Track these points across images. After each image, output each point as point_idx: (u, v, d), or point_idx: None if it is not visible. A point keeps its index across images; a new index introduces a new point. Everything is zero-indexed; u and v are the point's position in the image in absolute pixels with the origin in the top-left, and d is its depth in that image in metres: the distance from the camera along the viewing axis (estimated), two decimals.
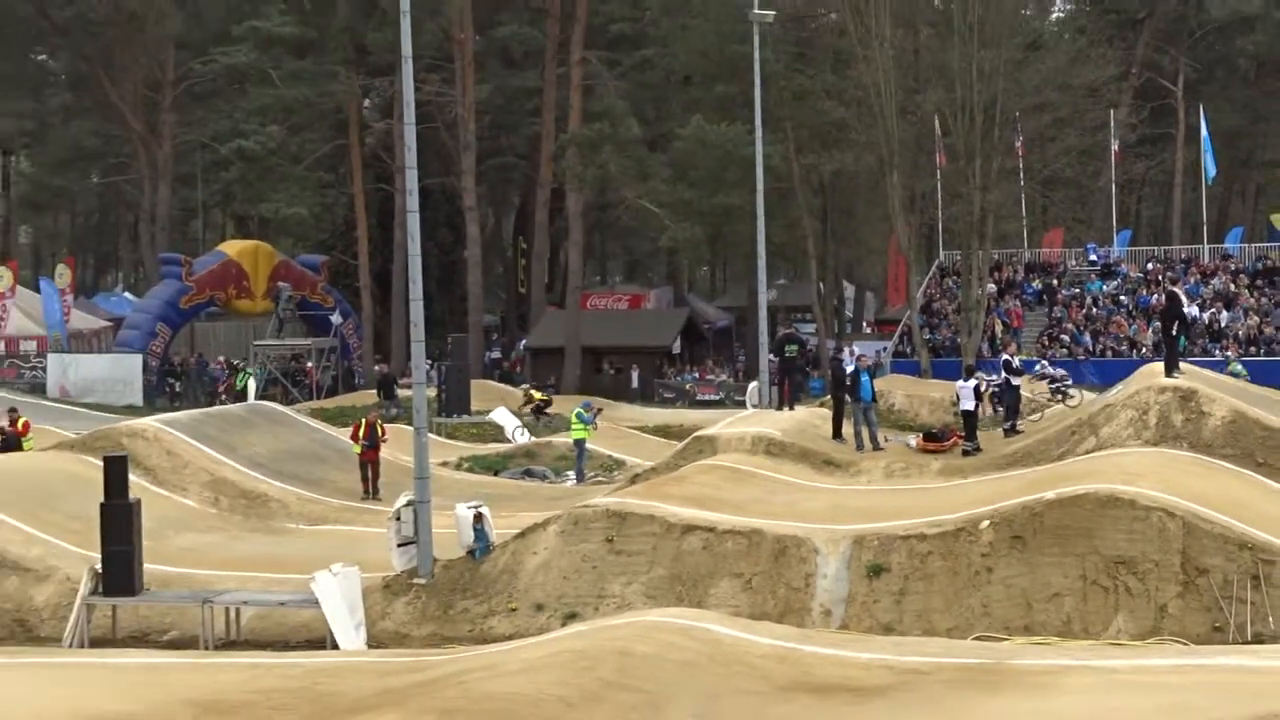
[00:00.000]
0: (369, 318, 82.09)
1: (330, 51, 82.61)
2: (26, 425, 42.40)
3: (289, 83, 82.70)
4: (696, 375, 76.86)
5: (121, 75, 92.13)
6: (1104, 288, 72.56)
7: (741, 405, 56.32)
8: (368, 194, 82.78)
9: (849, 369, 41.10)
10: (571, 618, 24.15)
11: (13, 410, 44.62)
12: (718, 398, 70.30)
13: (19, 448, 40.22)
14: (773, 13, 55.86)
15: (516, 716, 16.37)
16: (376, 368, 72.65)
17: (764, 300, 55.12)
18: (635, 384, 75.90)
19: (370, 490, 38.46)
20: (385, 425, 40.84)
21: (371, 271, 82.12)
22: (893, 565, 24.58)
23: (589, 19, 79.17)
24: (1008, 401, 40.27)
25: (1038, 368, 46.41)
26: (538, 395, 60.35)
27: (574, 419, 45.45)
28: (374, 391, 63.35)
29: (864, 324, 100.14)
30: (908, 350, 69.77)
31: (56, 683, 21.34)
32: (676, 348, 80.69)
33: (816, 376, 62.39)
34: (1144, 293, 70.82)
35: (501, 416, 56.17)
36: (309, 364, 76.24)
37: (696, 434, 40.11)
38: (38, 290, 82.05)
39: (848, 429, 39.51)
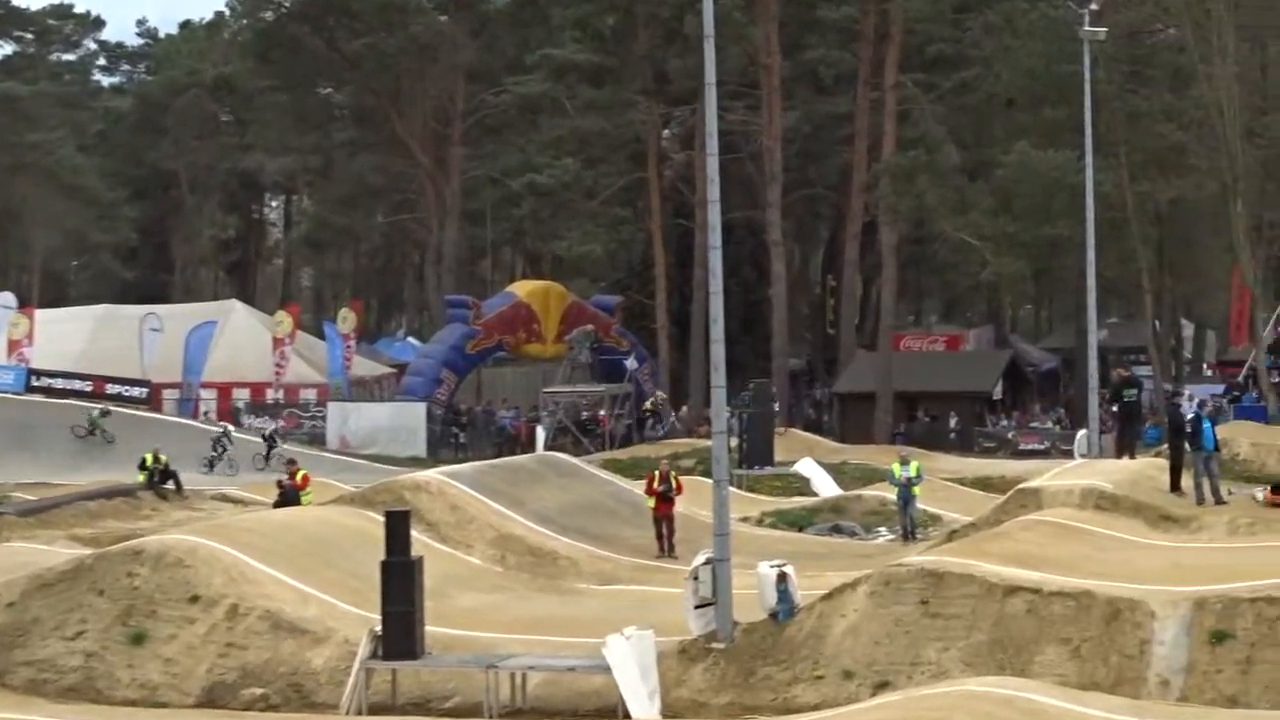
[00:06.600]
0: (665, 362, 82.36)
1: (628, 80, 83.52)
2: (305, 479, 43.34)
3: (584, 113, 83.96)
4: (1019, 422, 76.15)
5: (410, 108, 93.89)
6: None
7: (1069, 455, 55.65)
8: (666, 230, 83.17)
9: (1188, 415, 40.14)
10: (882, 686, 23.89)
11: (291, 462, 45.74)
12: (1043, 447, 69.51)
13: (297, 502, 41.05)
14: (1105, 29, 55.47)
15: None
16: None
17: (1094, 340, 54.79)
18: (953, 432, 75.21)
19: (666, 548, 38.21)
20: (680, 477, 40.62)
21: (669, 312, 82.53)
22: (1238, 631, 23.85)
23: (904, 40, 78.73)
24: None
25: None
26: None
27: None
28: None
29: (1204, 365, 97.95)
30: (1254, 394, 67.95)
31: None
32: (998, 393, 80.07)
33: (1153, 424, 61.10)
34: None
35: (807, 468, 55.96)
36: (601, 412, 76.46)
37: (1019, 486, 39.44)
38: (320, 335, 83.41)
39: (1187, 481, 38.35)
